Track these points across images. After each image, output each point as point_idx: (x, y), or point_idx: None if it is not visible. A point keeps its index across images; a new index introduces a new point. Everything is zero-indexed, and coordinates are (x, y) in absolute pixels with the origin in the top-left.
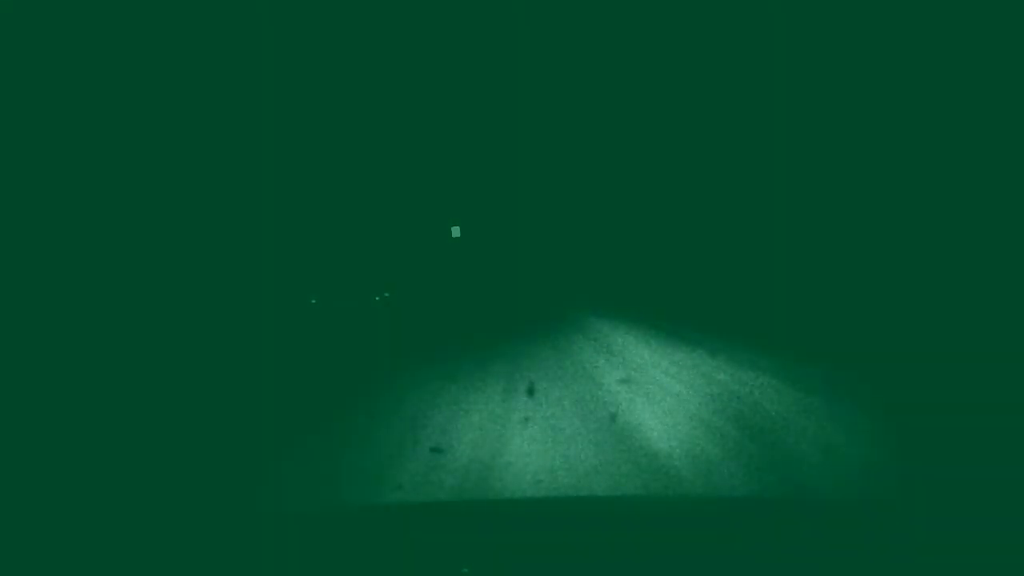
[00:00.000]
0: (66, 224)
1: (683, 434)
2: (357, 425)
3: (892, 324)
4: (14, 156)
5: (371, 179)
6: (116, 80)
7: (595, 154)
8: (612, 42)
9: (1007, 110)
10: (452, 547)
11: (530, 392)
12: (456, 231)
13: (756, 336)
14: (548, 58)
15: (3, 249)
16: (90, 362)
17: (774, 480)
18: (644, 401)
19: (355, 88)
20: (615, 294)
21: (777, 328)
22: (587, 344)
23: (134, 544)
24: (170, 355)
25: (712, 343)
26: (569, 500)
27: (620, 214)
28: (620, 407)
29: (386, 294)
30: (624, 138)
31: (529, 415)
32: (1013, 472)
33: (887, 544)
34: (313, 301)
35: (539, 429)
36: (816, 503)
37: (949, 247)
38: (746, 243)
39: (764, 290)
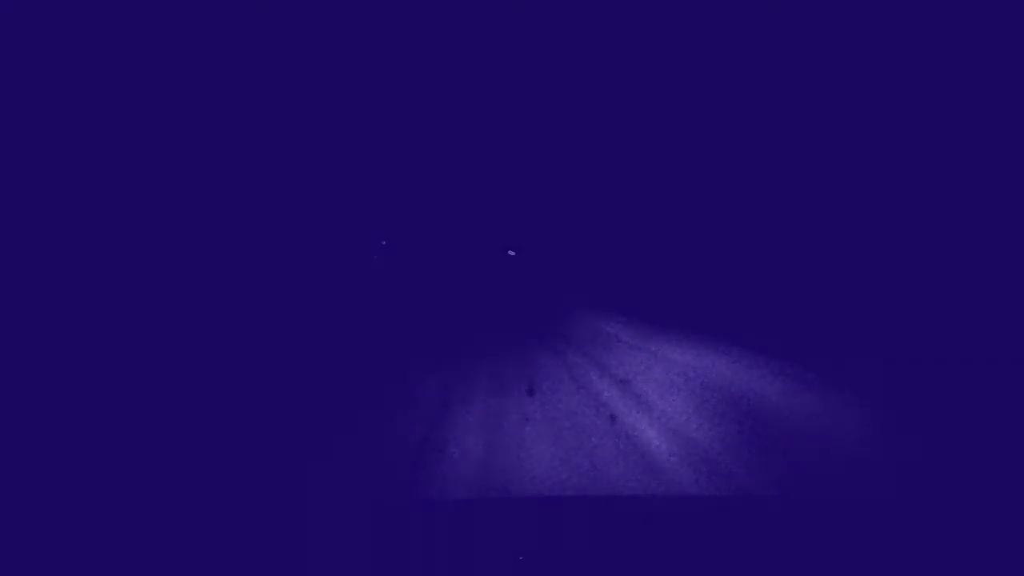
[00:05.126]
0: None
1: (683, 435)
2: (356, 424)
3: (891, 322)
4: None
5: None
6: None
7: (594, 151)
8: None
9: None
10: (451, 547)
11: (530, 392)
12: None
13: (756, 336)
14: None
15: None
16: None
17: (774, 480)
18: (644, 402)
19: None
20: (615, 293)
21: (777, 328)
22: (587, 344)
23: (133, 544)
24: (171, 349)
25: (712, 343)
26: (569, 500)
27: (620, 212)
28: (620, 408)
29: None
30: (622, 136)
31: (529, 415)
32: (1012, 470)
33: (887, 544)
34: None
35: (539, 429)
36: (816, 503)
37: (949, 245)
38: (745, 241)
39: (764, 289)
